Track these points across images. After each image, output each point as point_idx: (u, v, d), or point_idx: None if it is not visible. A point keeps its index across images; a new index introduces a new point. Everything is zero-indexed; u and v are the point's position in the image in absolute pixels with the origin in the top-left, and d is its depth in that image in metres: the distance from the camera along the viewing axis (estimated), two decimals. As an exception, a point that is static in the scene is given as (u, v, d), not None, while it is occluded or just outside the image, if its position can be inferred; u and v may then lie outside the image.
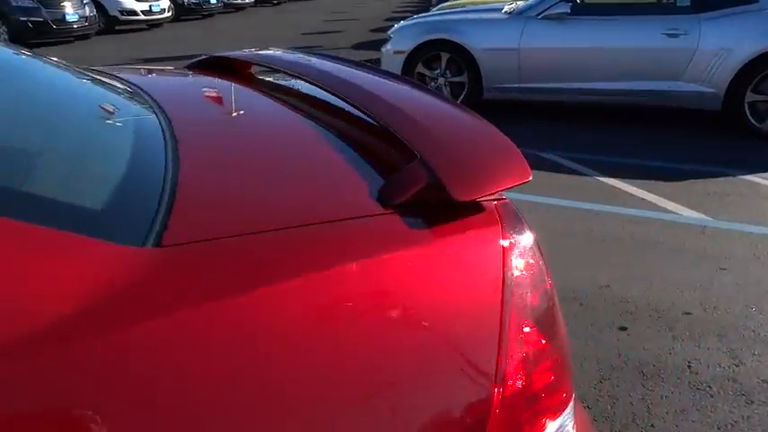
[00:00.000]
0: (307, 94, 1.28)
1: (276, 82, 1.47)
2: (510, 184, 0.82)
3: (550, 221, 3.42)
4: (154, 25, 15.25)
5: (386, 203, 0.76)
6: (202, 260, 0.62)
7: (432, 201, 0.77)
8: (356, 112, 1.04)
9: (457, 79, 5.74)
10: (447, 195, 0.75)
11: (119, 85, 1.24)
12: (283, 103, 1.23)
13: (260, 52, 1.59)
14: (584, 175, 4.19)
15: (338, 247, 0.68)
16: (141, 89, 1.21)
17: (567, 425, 0.79)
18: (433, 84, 5.83)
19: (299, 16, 17.99)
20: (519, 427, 0.71)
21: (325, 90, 1.13)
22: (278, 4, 23.70)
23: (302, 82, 1.26)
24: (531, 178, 0.84)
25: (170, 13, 15.64)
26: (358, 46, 10.72)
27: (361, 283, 0.66)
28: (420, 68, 5.83)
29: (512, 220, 0.83)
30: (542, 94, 5.58)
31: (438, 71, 5.80)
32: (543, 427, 0.74)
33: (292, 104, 1.23)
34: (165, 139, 0.91)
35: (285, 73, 1.33)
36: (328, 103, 1.17)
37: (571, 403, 0.81)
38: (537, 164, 4.39)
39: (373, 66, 1.31)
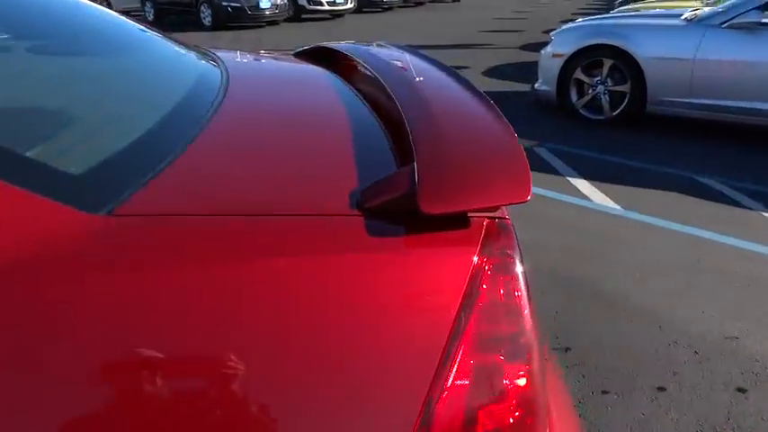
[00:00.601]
0: (365, 89, 1.27)
1: (357, 73, 1.48)
2: (495, 202, 0.74)
3: (695, 254, 3.05)
4: (336, 15, 16.14)
5: (358, 206, 0.73)
6: (143, 233, 0.65)
7: (406, 209, 0.72)
8: (396, 111, 1.01)
9: (618, 88, 5.32)
10: (415, 205, 0.70)
11: (203, 62, 1.34)
12: (338, 94, 1.23)
13: (352, 45, 1.61)
14: (748, 208, 3.68)
15: (277, 241, 0.67)
16: (220, 64, 1.30)
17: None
18: (590, 91, 5.47)
19: (478, 13, 17.91)
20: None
21: (380, 87, 1.12)
22: (457, 0, 23.79)
23: (371, 76, 1.26)
24: (528, 199, 0.75)
25: (352, 5, 16.45)
26: (526, 47, 10.41)
27: (279, 278, 0.64)
28: (578, 74, 5.50)
29: (498, 242, 0.75)
30: (715, 113, 4.97)
31: (598, 78, 5.42)
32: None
33: (347, 96, 1.23)
34: (199, 116, 0.96)
35: (360, 65, 1.34)
36: (377, 99, 1.16)
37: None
38: (690, 189, 3.95)
39: (446, 67, 1.26)
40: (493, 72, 8.19)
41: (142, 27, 1.51)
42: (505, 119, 0.93)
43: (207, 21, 13.51)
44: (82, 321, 0.58)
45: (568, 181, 4.12)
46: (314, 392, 0.62)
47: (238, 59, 1.50)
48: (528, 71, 6.04)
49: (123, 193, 0.69)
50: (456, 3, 23.26)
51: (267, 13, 13.64)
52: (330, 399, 0.62)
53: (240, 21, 13.31)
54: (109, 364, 0.58)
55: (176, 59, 1.35)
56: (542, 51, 5.90)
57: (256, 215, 0.70)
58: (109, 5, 17.02)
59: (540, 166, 4.42)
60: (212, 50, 1.52)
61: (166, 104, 1.00)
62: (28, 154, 0.72)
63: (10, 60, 1.34)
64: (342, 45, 1.65)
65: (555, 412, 0.90)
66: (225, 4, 13.14)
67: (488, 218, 0.78)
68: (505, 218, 0.80)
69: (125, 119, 0.95)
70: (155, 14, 14.88)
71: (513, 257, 0.76)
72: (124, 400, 0.58)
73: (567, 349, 2.30)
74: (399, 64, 1.29)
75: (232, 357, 0.60)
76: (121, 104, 1.03)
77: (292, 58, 1.65)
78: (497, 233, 0.77)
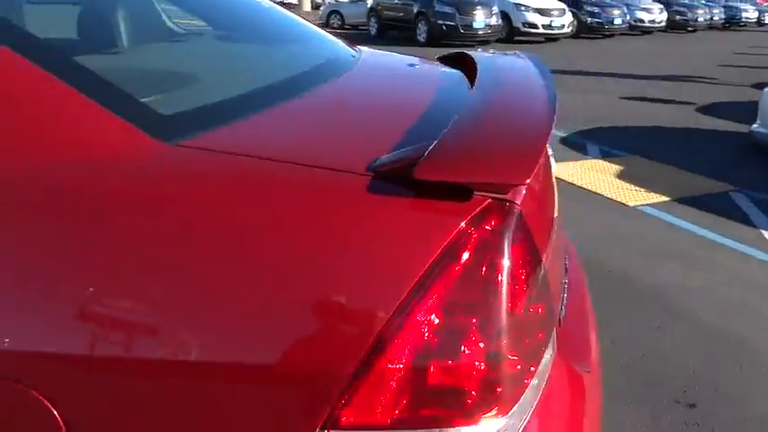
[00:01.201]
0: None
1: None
2: (487, 179, 0.78)
3: None
4: (551, 39, 15.88)
5: (374, 168, 0.82)
6: (187, 161, 0.82)
7: (410, 176, 0.79)
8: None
9: None
10: (411, 170, 0.77)
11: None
12: (438, 86, 1.32)
13: (487, 53, 1.68)
14: None
15: (288, 187, 0.79)
16: (357, 54, 1.51)
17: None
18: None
19: (714, 46, 16.25)
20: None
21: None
22: (693, 31, 21.81)
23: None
24: (525, 182, 0.78)
25: (570, 29, 16.04)
26: (760, 85, 9.24)
27: (275, 216, 0.75)
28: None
29: (493, 220, 0.79)
30: None
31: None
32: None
33: (446, 90, 1.31)
34: (302, 87, 1.15)
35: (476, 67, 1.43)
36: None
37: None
38: None
39: (547, 75, 1.28)
40: (711, 109, 7.46)
41: (307, 23, 1.76)
42: (551, 118, 0.94)
43: (422, 37, 14.25)
44: (128, 214, 0.76)
45: (761, 234, 3.63)
46: (289, 308, 0.72)
47: (376, 54, 1.68)
48: (755, 111, 5.43)
49: (191, 133, 0.87)
50: (691, 33, 21.38)
51: (480, 32, 13.96)
52: (304, 313, 0.72)
53: (453, 39, 13.81)
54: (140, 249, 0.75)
55: (318, 47, 1.57)
56: (765, 90, 5.24)
57: (284, 162, 0.83)
58: (342, 20, 18.66)
59: (731, 212, 3.95)
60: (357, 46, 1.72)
61: (279, 76, 1.21)
62: (144, 99, 0.94)
63: (197, 41, 1.69)
64: (477, 53, 1.73)
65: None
66: (440, 22, 13.75)
67: (493, 198, 0.82)
68: (514, 202, 0.83)
69: (240, 83, 1.15)
70: (378, 29, 16.06)
71: (504, 237, 0.79)
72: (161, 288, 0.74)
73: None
74: (506, 69, 1.34)
75: (240, 268, 0.73)
76: (249, 73, 1.26)
77: (426, 59, 1.76)
78: (496, 212, 0.80)
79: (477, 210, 0.79)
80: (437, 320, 0.74)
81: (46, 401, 0.71)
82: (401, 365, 0.73)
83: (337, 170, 0.82)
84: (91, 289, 0.73)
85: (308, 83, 1.20)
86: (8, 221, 0.76)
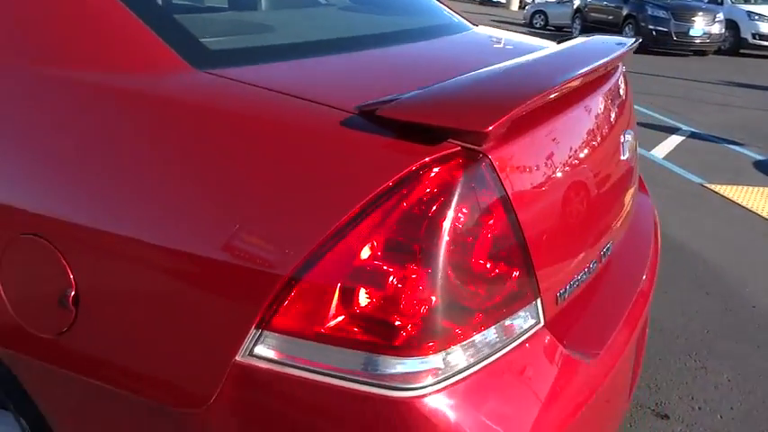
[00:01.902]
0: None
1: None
2: (446, 124, 0.78)
3: None
4: (788, 55, 13.81)
5: (362, 108, 0.87)
6: (210, 85, 0.94)
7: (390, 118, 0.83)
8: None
9: None
10: (383, 110, 0.81)
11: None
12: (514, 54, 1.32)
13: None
14: None
15: (286, 116, 0.88)
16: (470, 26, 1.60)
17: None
18: None
19: None
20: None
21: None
22: None
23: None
24: (486, 131, 0.76)
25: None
26: None
27: (265, 138, 0.85)
28: None
29: (451, 165, 0.80)
30: None
31: None
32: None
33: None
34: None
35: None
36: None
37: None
38: None
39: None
40: None
41: (442, 5, 1.85)
42: (544, 90, 0.90)
43: (628, 42, 13.31)
44: (150, 115, 0.91)
45: None
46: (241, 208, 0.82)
47: (490, 31, 1.75)
48: None
49: (222, 66, 1.00)
50: None
51: (696, 41, 12.62)
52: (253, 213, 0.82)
53: (663, 46, 12.68)
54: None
55: (429, 19, 1.68)
56: None
57: (283, 93, 0.91)
58: (545, 20, 18.22)
59: None
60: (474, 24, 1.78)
61: (359, 34, 1.33)
62: (203, 39, 1.09)
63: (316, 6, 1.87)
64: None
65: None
66: (651, 27, 12.68)
67: (464, 147, 0.82)
68: (484, 153, 0.82)
69: (307, 36, 1.27)
70: (580, 31, 15.36)
71: (456, 181, 0.79)
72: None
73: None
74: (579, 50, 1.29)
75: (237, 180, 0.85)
76: (327, 30, 1.38)
77: (527, 37, 1.75)
78: (460, 159, 0.81)
79: (441, 153, 0.81)
80: (372, 248, 0.78)
81: (61, 257, 0.90)
82: (331, 283, 0.78)
83: (327, 105, 0.89)
84: (111, 170, 0.89)
85: (385, 42, 1.30)
86: (77, 113, 0.95)
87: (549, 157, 0.99)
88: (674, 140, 5.49)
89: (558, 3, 17.97)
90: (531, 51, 1.28)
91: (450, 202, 0.79)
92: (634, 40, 1.46)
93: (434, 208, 0.79)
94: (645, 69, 10.10)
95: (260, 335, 0.81)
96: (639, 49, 12.78)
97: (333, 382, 0.80)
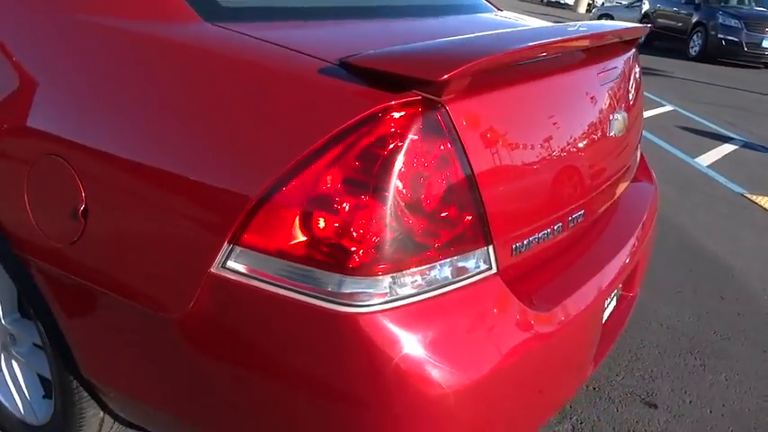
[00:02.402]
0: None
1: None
2: (406, 72, 0.88)
3: None
4: None
5: (343, 59, 0.96)
6: (214, 35, 1.06)
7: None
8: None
9: None
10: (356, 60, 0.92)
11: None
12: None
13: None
14: None
15: (260, 56, 0.99)
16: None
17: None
18: None
19: None
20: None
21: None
22: None
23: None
24: (439, 80, 0.85)
25: None
26: None
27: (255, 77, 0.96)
28: None
29: (409, 112, 0.89)
30: None
31: None
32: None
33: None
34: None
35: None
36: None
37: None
38: None
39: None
40: None
41: None
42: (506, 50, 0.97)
43: (693, 50, 12.86)
44: (166, 67, 1.04)
45: None
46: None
47: (511, 14, 1.86)
48: None
49: (231, 20, 1.11)
50: None
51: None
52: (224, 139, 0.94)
53: (731, 57, 12.20)
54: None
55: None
56: None
57: (277, 45, 1.02)
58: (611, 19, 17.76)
59: None
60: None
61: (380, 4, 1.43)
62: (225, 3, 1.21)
63: None
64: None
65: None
66: (720, 36, 12.21)
67: (424, 96, 0.91)
68: (441, 102, 0.91)
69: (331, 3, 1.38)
70: (646, 37, 14.93)
71: (411, 126, 0.89)
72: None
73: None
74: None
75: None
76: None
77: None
78: (417, 106, 0.90)
79: (402, 100, 0.90)
80: (332, 180, 0.88)
81: (75, 175, 1.04)
82: (293, 207, 0.89)
83: (312, 56, 0.99)
84: (117, 102, 1.03)
85: (392, 14, 1.41)
86: (97, 54, 1.09)
87: (516, 118, 1.07)
88: (723, 149, 5.35)
89: (627, 7, 17.49)
90: (531, 27, 1.35)
91: (403, 143, 0.89)
92: (637, 25, 1.50)
93: (389, 148, 0.88)
94: (710, 80, 9.79)
95: (231, 249, 0.93)
96: (705, 58, 12.36)
97: (291, 296, 0.92)
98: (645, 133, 5.57)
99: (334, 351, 0.91)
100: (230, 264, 0.94)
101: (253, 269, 0.93)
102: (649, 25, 1.69)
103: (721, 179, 4.47)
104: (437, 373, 0.92)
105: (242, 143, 0.93)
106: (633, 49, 1.65)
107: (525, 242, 1.09)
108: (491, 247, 1.02)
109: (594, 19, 18.58)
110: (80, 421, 1.32)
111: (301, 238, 0.90)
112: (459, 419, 0.96)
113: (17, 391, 1.49)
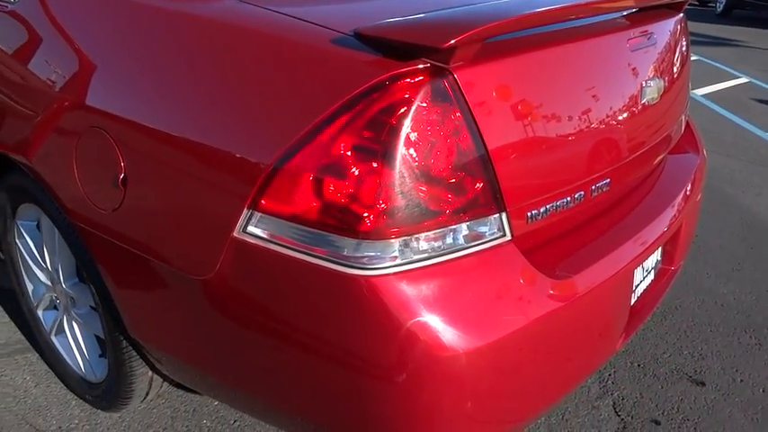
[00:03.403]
0: None
1: None
2: (413, 40, 0.89)
3: None
4: None
5: (357, 30, 0.99)
6: (234, 9, 1.10)
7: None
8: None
9: None
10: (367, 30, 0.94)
11: None
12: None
13: None
14: None
15: (278, 28, 1.03)
16: None
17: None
18: None
19: None
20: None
21: None
22: None
23: None
24: (443, 46, 0.86)
25: None
26: None
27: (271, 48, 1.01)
28: None
29: (417, 78, 0.91)
30: None
31: None
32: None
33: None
34: None
35: None
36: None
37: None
38: None
39: None
40: None
41: None
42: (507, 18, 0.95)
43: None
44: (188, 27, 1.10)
45: None
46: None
47: None
48: None
49: None
50: None
51: None
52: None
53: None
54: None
55: None
56: None
57: (295, 18, 1.05)
58: None
59: None
60: None
61: None
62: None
63: None
64: None
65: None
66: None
67: (432, 63, 0.93)
68: (449, 70, 0.92)
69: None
70: (725, 6, 14.03)
71: (418, 92, 0.90)
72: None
73: None
74: None
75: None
76: None
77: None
78: (425, 74, 0.92)
79: (411, 68, 0.92)
80: (342, 146, 0.92)
81: (115, 146, 1.12)
82: (306, 173, 0.93)
83: (327, 27, 1.02)
84: (152, 77, 1.10)
85: None
86: (137, 33, 1.16)
87: (530, 85, 1.06)
88: (802, 123, 5.01)
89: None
90: None
91: (410, 110, 0.91)
92: None
93: (397, 114, 0.91)
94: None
95: (251, 215, 0.98)
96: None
97: (306, 259, 0.96)
98: (716, 106, 5.29)
99: (347, 312, 0.95)
100: (250, 228, 0.99)
101: (271, 233, 0.98)
102: None
103: (798, 153, 4.20)
104: (448, 334, 0.94)
105: (260, 112, 0.98)
106: (678, 15, 1.58)
107: (542, 210, 1.09)
108: (504, 214, 1.02)
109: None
110: (130, 378, 1.43)
111: (314, 203, 0.94)
112: (470, 381, 0.98)
113: (78, 351, 1.63)
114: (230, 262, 1.02)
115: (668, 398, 1.83)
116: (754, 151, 4.21)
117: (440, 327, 0.94)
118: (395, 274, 0.94)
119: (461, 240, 0.99)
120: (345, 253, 0.94)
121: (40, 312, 1.73)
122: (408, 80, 0.91)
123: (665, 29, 1.47)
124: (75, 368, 1.65)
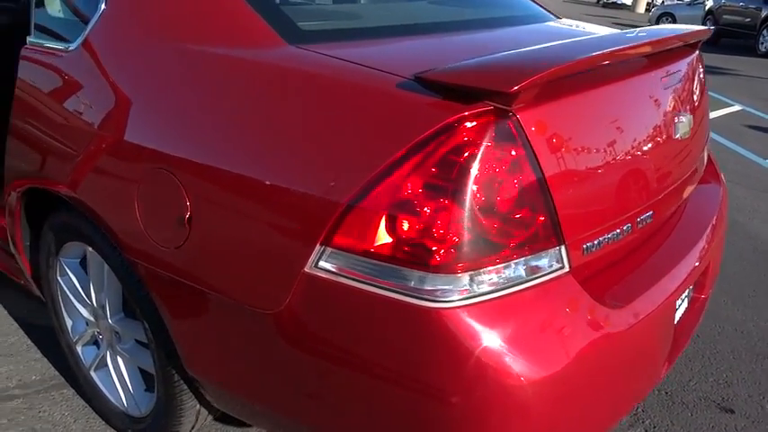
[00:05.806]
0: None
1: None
2: (477, 84, 0.95)
3: None
4: None
5: (418, 74, 1.05)
6: (296, 56, 1.16)
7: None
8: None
9: None
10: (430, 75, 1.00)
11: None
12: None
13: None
14: None
15: (343, 74, 1.09)
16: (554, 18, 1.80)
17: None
18: None
19: None
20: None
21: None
22: None
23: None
24: (509, 91, 0.92)
25: None
26: None
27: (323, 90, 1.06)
28: None
29: (481, 122, 0.96)
30: None
31: None
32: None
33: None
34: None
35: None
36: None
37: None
38: None
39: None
40: None
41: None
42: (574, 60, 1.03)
43: (764, 47, 12.33)
44: (249, 78, 1.16)
45: None
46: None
47: (570, 22, 1.92)
48: None
49: (311, 42, 1.21)
50: None
51: None
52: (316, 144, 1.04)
53: (806, 53, 11.63)
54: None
55: (515, 11, 1.84)
56: None
57: (357, 63, 1.11)
58: (673, 22, 17.28)
59: None
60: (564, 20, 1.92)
61: (447, 19, 1.52)
62: (300, 23, 1.31)
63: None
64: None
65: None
66: (793, 31, 11.68)
67: (495, 106, 0.98)
68: (512, 112, 0.98)
69: (400, 21, 1.47)
70: (713, 35, 14.39)
71: (485, 134, 0.95)
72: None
73: None
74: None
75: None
76: (419, 16, 1.58)
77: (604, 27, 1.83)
78: (489, 116, 0.97)
79: (476, 111, 0.97)
80: (413, 185, 0.96)
81: (181, 186, 1.16)
82: (379, 210, 0.98)
83: (389, 72, 1.08)
84: (218, 121, 1.15)
85: (461, 28, 1.49)
86: (200, 80, 1.21)
87: (583, 123, 1.12)
88: (798, 150, 5.13)
89: (688, 5, 16.97)
90: (593, 35, 1.39)
91: (478, 151, 0.96)
92: (700, 28, 1.52)
93: (465, 155, 0.96)
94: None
95: (323, 251, 1.02)
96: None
97: (377, 292, 1.00)
98: (712, 134, 5.41)
99: (417, 343, 0.98)
100: (322, 263, 1.03)
101: (342, 268, 1.02)
102: (712, 27, 1.69)
103: (798, 180, 4.30)
104: (514, 365, 0.98)
105: (330, 155, 1.03)
106: (696, 52, 1.66)
107: (596, 242, 1.13)
108: (563, 247, 1.07)
109: (654, 19, 18.12)
110: (179, 412, 1.45)
111: (387, 239, 0.98)
112: (535, 410, 1.01)
113: (121, 385, 1.64)
114: (301, 295, 1.06)
115: (699, 425, 1.86)
116: (755, 178, 4.31)
117: (508, 357, 0.97)
118: (464, 306, 0.98)
119: (523, 273, 1.03)
120: (416, 285, 0.98)
121: (79, 348, 1.74)
122: (474, 122, 0.97)
123: (688, 65, 1.55)
124: (116, 403, 1.66)
